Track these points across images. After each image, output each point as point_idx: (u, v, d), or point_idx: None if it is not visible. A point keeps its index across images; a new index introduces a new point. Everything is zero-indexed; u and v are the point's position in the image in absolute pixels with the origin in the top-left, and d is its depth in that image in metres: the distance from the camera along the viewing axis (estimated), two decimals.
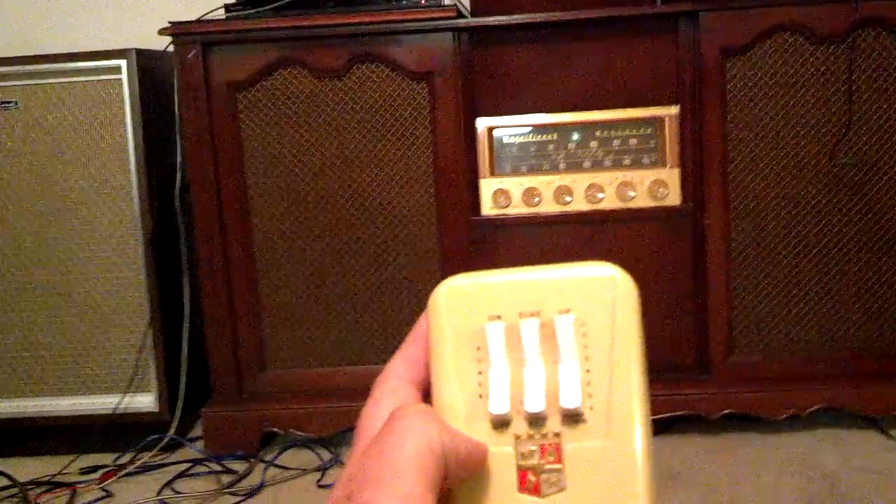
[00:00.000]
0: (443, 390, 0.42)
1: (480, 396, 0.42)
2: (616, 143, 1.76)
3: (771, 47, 1.70)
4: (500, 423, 0.41)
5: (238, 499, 1.69)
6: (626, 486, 0.40)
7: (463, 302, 0.43)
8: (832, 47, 1.69)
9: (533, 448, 0.41)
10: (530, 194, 1.77)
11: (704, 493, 1.59)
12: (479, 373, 0.42)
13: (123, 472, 1.80)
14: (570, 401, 0.40)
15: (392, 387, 0.43)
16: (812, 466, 1.66)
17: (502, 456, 0.41)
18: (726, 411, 1.78)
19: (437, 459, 0.37)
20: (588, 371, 0.41)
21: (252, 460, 1.83)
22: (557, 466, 0.41)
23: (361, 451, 0.39)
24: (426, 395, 0.44)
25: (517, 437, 0.41)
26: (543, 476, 0.41)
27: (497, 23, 1.73)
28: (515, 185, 1.78)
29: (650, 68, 1.74)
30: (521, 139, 1.77)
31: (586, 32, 1.74)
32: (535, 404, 0.41)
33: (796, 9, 1.67)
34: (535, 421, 0.41)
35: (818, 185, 1.73)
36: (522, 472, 0.41)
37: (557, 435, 0.41)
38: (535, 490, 0.40)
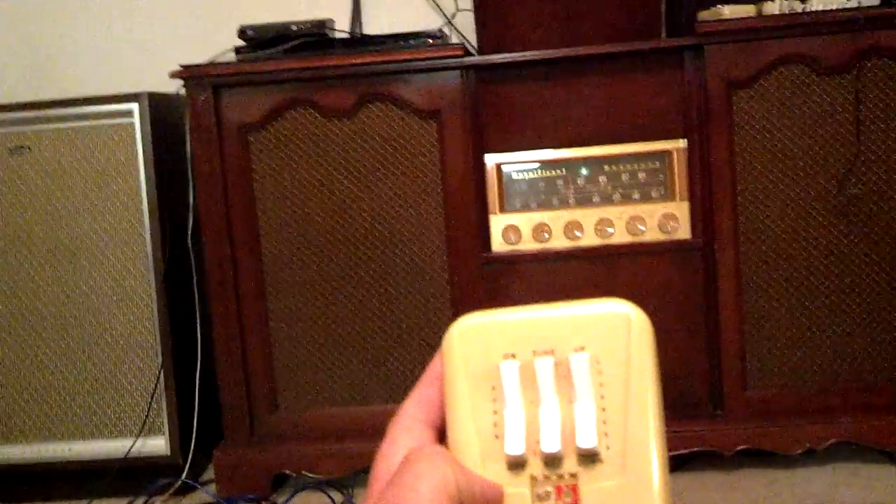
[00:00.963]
0: (458, 431, 0.42)
1: (496, 437, 0.42)
2: (625, 177, 1.76)
3: (777, 79, 1.70)
4: (516, 464, 0.41)
5: None
6: None
7: (477, 341, 0.43)
8: (838, 78, 1.69)
9: (549, 489, 0.41)
10: (540, 230, 1.77)
11: None
12: (495, 412, 0.42)
13: None
14: (586, 440, 0.40)
15: (407, 428, 0.43)
16: (828, 502, 1.64)
17: (518, 497, 0.41)
18: (740, 447, 1.76)
19: (452, 501, 0.37)
20: (604, 410, 0.41)
21: (265, 503, 1.81)
22: None
23: (377, 493, 0.39)
24: (441, 436, 0.43)
25: (533, 478, 0.41)
26: None
27: (504, 60, 1.74)
28: (525, 221, 1.78)
29: (657, 102, 1.74)
30: (530, 175, 1.78)
31: (592, 68, 1.74)
32: (551, 444, 0.40)
33: (801, 40, 1.68)
34: (552, 461, 0.41)
35: (828, 216, 1.73)
36: None
37: (574, 475, 0.40)
38: None
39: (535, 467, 0.41)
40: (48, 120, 1.89)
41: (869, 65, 1.69)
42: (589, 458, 0.40)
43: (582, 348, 0.42)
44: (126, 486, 1.88)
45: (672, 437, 1.70)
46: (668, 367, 1.74)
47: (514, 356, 0.42)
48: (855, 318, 1.75)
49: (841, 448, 1.78)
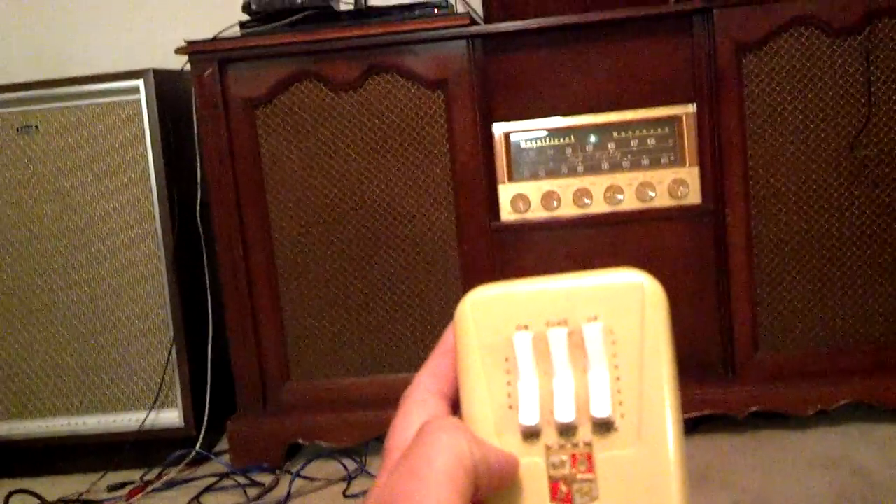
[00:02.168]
0: (472, 402, 0.42)
1: (510, 407, 0.42)
2: (634, 143, 1.75)
3: (786, 42, 1.69)
4: (531, 434, 0.41)
5: None
6: (660, 493, 0.39)
7: (489, 313, 0.43)
8: (848, 39, 1.68)
9: (564, 458, 0.41)
10: (549, 198, 1.77)
11: (734, 492, 1.58)
12: (508, 384, 0.42)
13: (150, 487, 1.81)
14: (600, 409, 0.40)
15: (421, 400, 0.43)
16: (843, 462, 1.65)
17: (533, 467, 0.41)
18: (753, 409, 1.76)
19: (467, 473, 0.37)
20: (618, 379, 0.41)
21: (278, 472, 1.83)
22: (589, 476, 0.40)
23: (392, 466, 0.39)
24: (455, 408, 0.43)
25: (548, 448, 0.41)
26: (575, 486, 0.40)
27: (510, 28, 1.73)
28: (534, 190, 1.77)
29: (665, 67, 1.73)
30: (539, 143, 1.77)
31: (599, 34, 1.73)
32: (565, 414, 0.41)
33: (810, 2, 1.67)
34: (566, 431, 0.41)
35: (839, 178, 1.72)
36: (554, 482, 0.41)
37: (588, 444, 0.41)
38: (568, 500, 0.40)
39: (550, 437, 0.41)
40: (55, 99, 1.89)
41: (880, 25, 1.67)
42: (603, 426, 0.41)
43: (595, 318, 0.42)
44: (141, 458, 1.90)
45: (684, 401, 1.70)
46: (680, 331, 1.73)
47: (527, 327, 0.42)
48: (866, 279, 1.74)
49: (853, 409, 1.78)
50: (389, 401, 0.43)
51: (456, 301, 0.44)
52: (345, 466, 1.83)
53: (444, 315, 1.81)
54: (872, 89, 1.68)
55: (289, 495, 1.73)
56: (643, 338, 0.41)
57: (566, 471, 0.40)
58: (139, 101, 1.87)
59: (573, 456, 0.41)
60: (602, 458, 0.40)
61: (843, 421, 1.80)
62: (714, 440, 1.79)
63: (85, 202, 1.90)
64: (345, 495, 1.73)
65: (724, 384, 1.78)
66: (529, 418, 0.41)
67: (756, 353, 1.77)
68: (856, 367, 1.75)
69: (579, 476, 0.40)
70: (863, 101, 1.69)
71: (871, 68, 1.68)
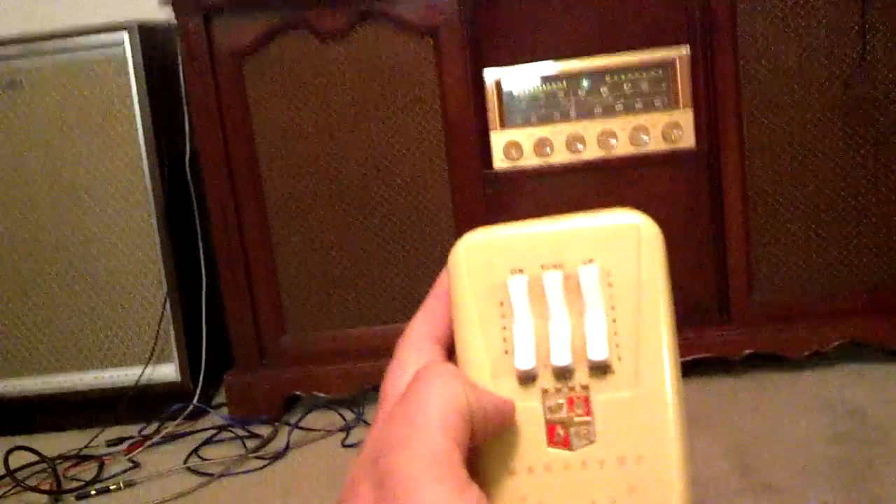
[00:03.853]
0: (467, 347, 0.42)
1: (506, 352, 0.41)
2: (627, 87, 1.73)
3: None
4: (527, 378, 0.41)
5: (264, 462, 1.70)
6: (658, 435, 0.39)
7: (483, 257, 0.42)
8: None
9: (561, 401, 0.40)
10: (542, 145, 1.76)
11: (730, 434, 1.59)
12: (504, 328, 0.42)
13: (149, 442, 1.81)
14: (597, 352, 0.40)
15: (415, 346, 0.42)
16: (838, 402, 1.66)
17: (530, 411, 0.41)
18: (748, 352, 1.77)
19: (463, 418, 0.37)
20: (614, 321, 0.41)
21: (276, 424, 1.84)
22: (586, 419, 0.40)
23: (387, 412, 0.38)
24: (450, 353, 0.43)
25: (544, 392, 0.41)
26: (573, 429, 0.40)
27: None
28: (526, 137, 1.76)
29: (658, 9, 1.71)
30: (531, 89, 1.75)
31: None
32: (561, 357, 0.40)
33: None
34: (563, 374, 0.40)
35: (834, 119, 1.71)
36: (551, 426, 0.40)
37: (585, 387, 0.40)
38: (565, 443, 0.40)
39: (546, 381, 0.41)
40: (39, 53, 1.86)
41: None
42: (600, 369, 0.40)
43: (591, 261, 0.41)
44: (138, 413, 1.90)
45: (680, 344, 1.71)
46: (675, 275, 1.70)
47: (521, 271, 0.42)
48: (861, 219, 1.74)
49: (850, 350, 1.79)
50: (385, 350, 0.42)
51: (450, 250, 0.43)
52: (342, 417, 1.84)
53: (437, 264, 1.80)
54: (867, 27, 1.66)
55: (287, 446, 1.74)
56: (640, 279, 0.41)
57: (563, 414, 0.40)
58: (124, 54, 1.84)
59: (570, 399, 0.40)
60: (599, 401, 0.40)
61: (838, 361, 1.80)
62: (710, 383, 1.80)
63: (73, 158, 1.88)
64: (343, 445, 1.74)
65: (719, 327, 1.78)
66: (525, 362, 0.41)
67: (751, 295, 1.77)
68: (850, 307, 1.76)
69: (576, 419, 0.40)
70: (857, 39, 1.67)
71: (866, 6, 1.66)
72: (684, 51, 1.72)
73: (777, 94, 1.70)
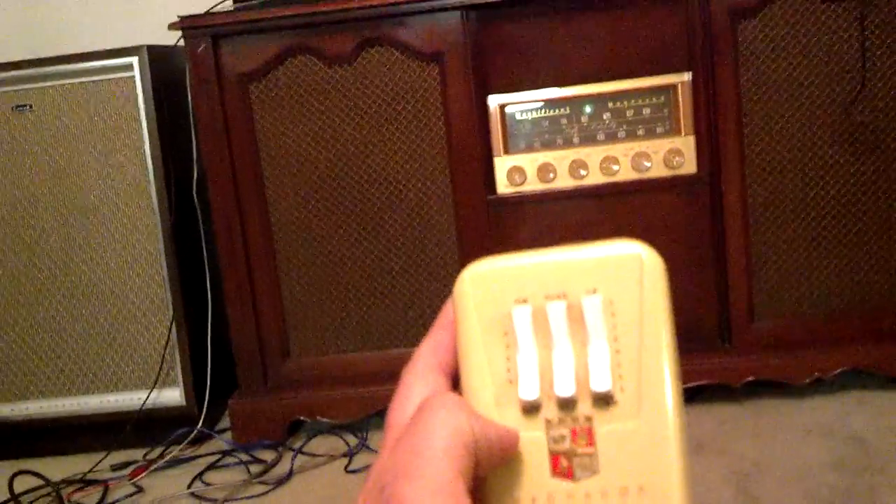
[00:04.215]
0: (472, 377, 0.42)
1: (510, 382, 0.42)
2: (629, 113, 1.75)
3: (781, 7, 1.68)
4: (531, 409, 0.41)
5: (268, 487, 1.70)
6: (660, 466, 0.39)
7: (488, 287, 0.43)
8: (844, 3, 1.67)
9: (564, 432, 0.41)
10: (545, 170, 1.77)
11: (731, 460, 1.59)
12: (508, 358, 0.42)
13: (154, 466, 1.81)
14: (600, 383, 0.40)
15: (421, 375, 0.43)
16: (839, 429, 1.66)
17: (534, 441, 0.41)
18: (750, 378, 1.77)
19: (467, 448, 0.37)
20: (617, 352, 0.41)
21: (280, 449, 1.84)
22: (590, 450, 0.40)
23: (392, 442, 0.39)
24: (455, 383, 0.43)
25: (548, 422, 0.41)
26: (576, 460, 0.40)
27: None
28: (530, 162, 1.77)
29: (660, 35, 1.72)
30: (534, 115, 1.76)
31: (594, 3, 1.72)
32: (565, 388, 0.40)
33: None
34: (566, 405, 0.41)
35: (835, 144, 1.72)
36: (555, 456, 0.41)
37: (589, 418, 0.41)
38: (569, 474, 0.40)
39: (550, 411, 0.41)
40: (48, 77, 1.88)
41: None
42: (603, 400, 0.40)
43: (594, 291, 0.41)
44: (143, 437, 1.90)
45: (682, 371, 1.71)
46: (677, 300, 1.71)
47: (526, 301, 0.42)
48: (862, 246, 1.74)
49: (851, 377, 1.79)
50: (390, 375, 0.43)
51: (454, 275, 0.44)
52: (346, 442, 1.84)
53: (442, 289, 1.82)
54: (867, 54, 1.67)
55: (291, 471, 1.74)
56: (642, 310, 0.41)
57: (567, 445, 0.40)
58: (133, 78, 1.86)
59: (573, 430, 0.40)
60: (602, 432, 0.40)
61: (840, 389, 1.80)
62: (711, 410, 1.80)
63: (81, 181, 1.89)
64: (347, 471, 1.74)
65: (720, 354, 1.78)
66: (529, 392, 0.41)
67: (752, 322, 1.78)
68: (852, 334, 1.76)
69: (580, 450, 0.40)
70: (858, 66, 1.68)
71: (866, 33, 1.67)
72: (686, 77, 1.73)
73: (778, 120, 1.71)
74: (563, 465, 0.40)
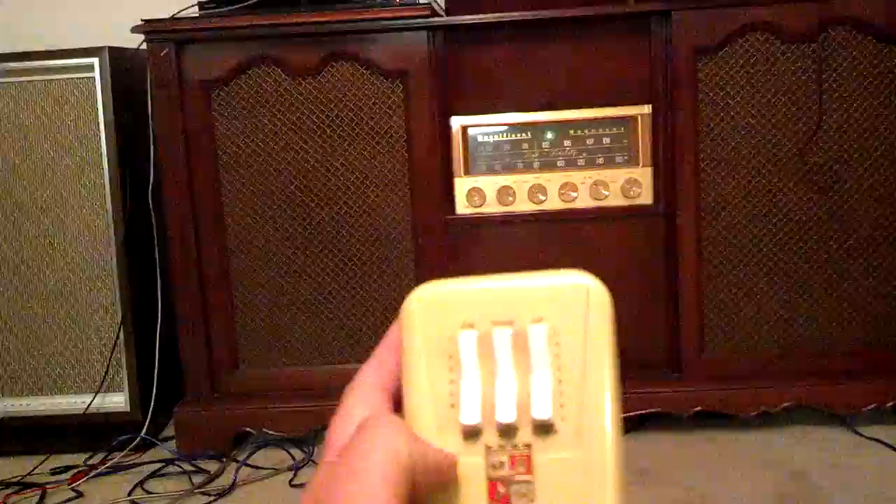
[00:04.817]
0: (414, 399, 0.42)
1: (452, 406, 0.42)
2: (590, 142, 1.76)
3: (742, 46, 1.71)
4: (471, 434, 0.41)
5: (210, 499, 1.68)
6: (596, 497, 0.40)
7: (436, 310, 0.43)
8: (803, 46, 1.70)
9: (503, 459, 0.41)
10: (505, 193, 1.77)
11: (676, 490, 1.60)
12: (451, 382, 0.42)
13: (94, 472, 1.78)
14: (541, 411, 0.40)
15: (363, 395, 0.43)
16: (783, 463, 1.67)
17: (472, 466, 0.41)
18: (698, 409, 1.79)
19: (404, 471, 0.37)
20: (560, 381, 0.41)
21: (224, 460, 1.82)
22: (527, 478, 0.40)
23: (330, 461, 0.39)
24: (398, 404, 0.43)
25: (488, 448, 0.41)
26: (513, 487, 0.40)
27: (471, 21, 1.73)
28: (490, 185, 1.78)
29: (623, 67, 1.74)
30: (496, 138, 1.77)
31: (560, 31, 1.74)
32: (506, 414, 0.41)
33: (767, 8, 1.68)
34: (507, 431, 0.41)
35: (789, 183, 1.74)
36: (492, 483, 0.41)
37: (528, 446, 0.41)
38: (505, 501, 0.40)
39: (491, 437, 0.41)
40: (7, 74, 1.85)
41: (833, 34, 1.69)
42: (543, 429, 0.41)
43: (540, 319, 0.42)
44: (86, 442, 1.87)
45: (630, 398, 1.73)
46: (628, 329, 1.75)
47: (472, 326, 0.42)
48: (813, 285, 1.77)
49: (796, 411, 1.81)
50: (337, 390, 0.43)
51: (408, 293, 0.43)
52: (291, 456, 1.83)
53: (395, 306, 1.79)
54: (824, 96, 1.71)
55: (234, 483, 1.72)
56: (587, 341, 0.41)
57: (505, 472, 0.41)
58: (93, 78, 1.84)
59: (512, 457, 0.41)
60: (541, 461, 0.40)
61: (786, 423, 1.83)
62: (659, 438, 1.81)
63: (35, 180, 1.87)
64: (291, 484, 1.73)
65: (669, 383, 1.80)
66: (470, 417, 0.41)
67: (702, 353, 1.79)
68: (799, 370, 1.78)
69: (517, 477, 0.40)
70: (814, 107, 1.71)
71: (824, 76, 1.70)
72: (646, 109, 1.75)
73: (734, 157, 1.74)
74: (500, 492, 0.40)
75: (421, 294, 0.43)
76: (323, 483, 0.37)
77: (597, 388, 0.41)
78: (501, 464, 0.41)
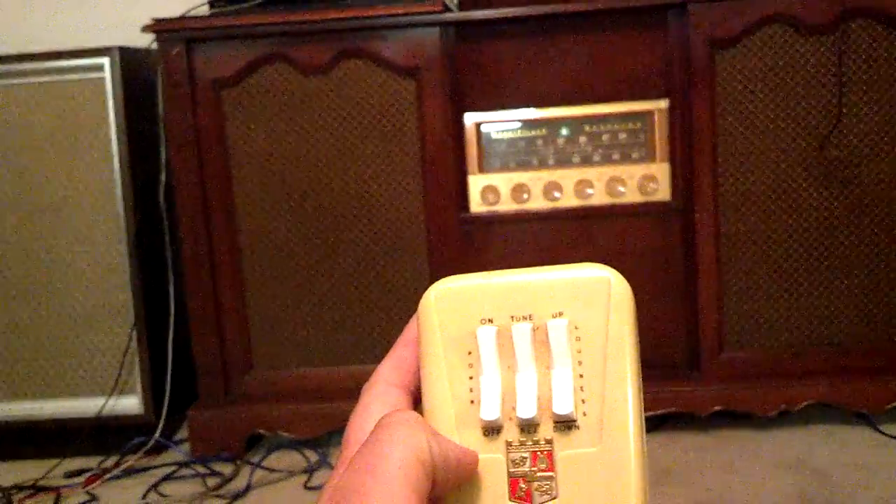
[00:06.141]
0: (433, 396, 0.42)
1: (472, 402, 0.41)
2: (605, 137, 1.74)
3: (760, 39, 1.69)
4: (492, 430, 0.41)
5: (224, 501, 1.67)
6: (619, 493, 0.39)
7: (454, 305, 0.42)
8: (822, 38, 1.68)
9: (524, 455, 0.40)
10: (519, 190, 1.76)
11: (696, 490, 1.58)
12: (471, 378, 0.42)
13: (108, 475, 1.78)
14: (562, 407, 0.40)
15: (381, 392, 0.42)
16: (803, 462, 1.65)
17: (493, 463, 0.40)
18: (717, 408, 1.77)
19: (425, 468, 0.37)
20: (581, 376, 0.41)
21: (238, 462, 1.81)
22: (549, 474, 0.40)
23: (349, 459, 0.38)
24: (416, 400, 0.43)
25: (508, 444, 0.41)
26: (535, 484, 0.40)
27: (484, 17, 1.72)
28: (504, 182, 1.76)
29: (639, 62, 1.73)
30: (510, 135, 1.76)
31: (574, 26, 1.72)
32: (526, 410, 0.40)
33: (785, 0, 1.66)
34: (527, 427, 0.40)
35: (809, 178, 1.72)
36: (514, 479, 0.40)
37: (549, 441, 0.40)
38: (527, 498, 0.40)
39: (511, 433, 0.41)
40: (17, 74, 1.84)
41: (853, 25, 1.67)
42: (565, 424, 0.40)
43: (560, 314, 0.41)
44: (99, 445, 1.87)
45: (649, 398, 1.71)
46: (646, 328, 1.73)
47: (491, 321, 0.42)
48: (833, 281, 1.75)
49: (817, 410, 1.79)
50: (352, 392, 0.42)
51: (422, 292, 0.43)
52: (306, 458, 1.82)
53: (409, 306, 1.80)
54: (844, 90, 1.68)
55: (249, 486, 1.71)
56: (607, 335, 0.41)
57: (526, 468, 0.40)
58: (104, 79, 1.83)
59: (534, 453, 0.40)
60: (562, 456, 0.40)
61: (806, 422, 1.80)
62: (678, 438, 1.79)
63: (45, 181, 1.86)
64: (305, 487, 1.71)
65: (688, 382, 1.78)
66: (490, 413, 0.41)
67: (721, 352, 1.77)
68: (819, 368, 1.76)
69: (539, 474, 0.40)
70: (834, 101, 1.69)
71: (843, 68, 1.68)
72: (663, 104, 1.73)
73: (753, 151, 1.72)
74: (522, 489, 0.40)
75: (439, 289, 0.43)
76: (342, 481, 0.37)
77: (618, 382, 0.41)
78: (523, 460, 0.40)
